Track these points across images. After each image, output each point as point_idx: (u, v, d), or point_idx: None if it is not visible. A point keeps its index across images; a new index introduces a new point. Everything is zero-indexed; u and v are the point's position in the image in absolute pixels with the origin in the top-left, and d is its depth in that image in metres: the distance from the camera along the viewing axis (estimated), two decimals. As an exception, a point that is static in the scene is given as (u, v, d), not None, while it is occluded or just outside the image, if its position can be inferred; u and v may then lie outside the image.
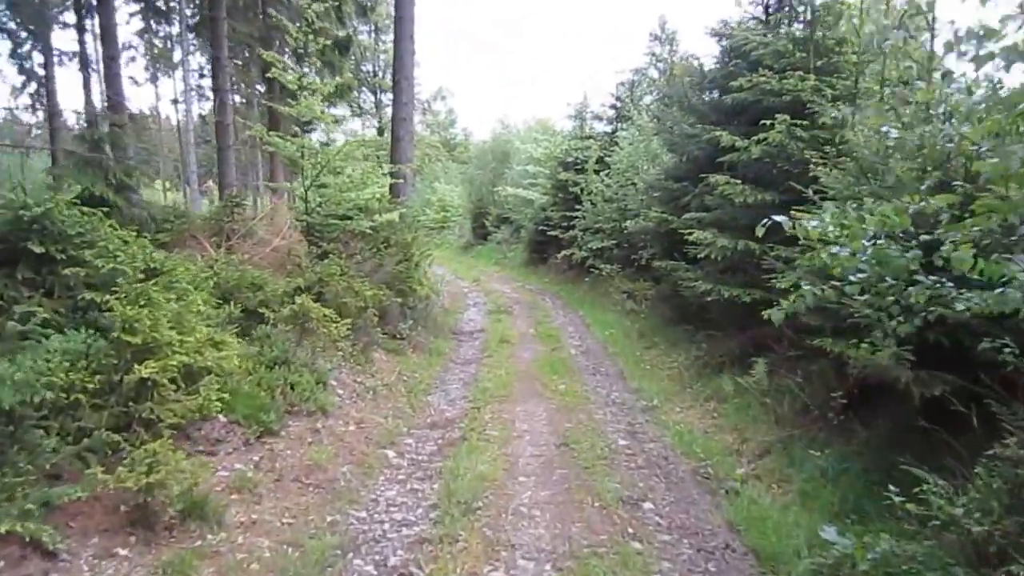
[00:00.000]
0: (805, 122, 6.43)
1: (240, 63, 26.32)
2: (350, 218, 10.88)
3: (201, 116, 30.04)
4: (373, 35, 47.96)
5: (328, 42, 22.62)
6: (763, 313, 6.77)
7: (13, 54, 16.89)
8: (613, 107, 17.30)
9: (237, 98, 32.15)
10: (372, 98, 49.81)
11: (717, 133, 7.24)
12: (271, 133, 11.49)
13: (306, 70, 19.77)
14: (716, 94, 9.75)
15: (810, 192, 5.68)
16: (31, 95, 18.36)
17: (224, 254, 8.68)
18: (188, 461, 3.96)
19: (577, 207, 15.54)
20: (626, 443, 5.71)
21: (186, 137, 24.17)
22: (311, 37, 21.45)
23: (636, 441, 5.78)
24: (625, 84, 17.34)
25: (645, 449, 5.54)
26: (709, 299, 6.97)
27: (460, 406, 7.01)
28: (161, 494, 3.72)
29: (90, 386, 4.07)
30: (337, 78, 24.68)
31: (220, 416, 5.09)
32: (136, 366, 4.17)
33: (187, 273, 6.73)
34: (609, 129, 17.77)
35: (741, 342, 7.75)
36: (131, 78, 30.73)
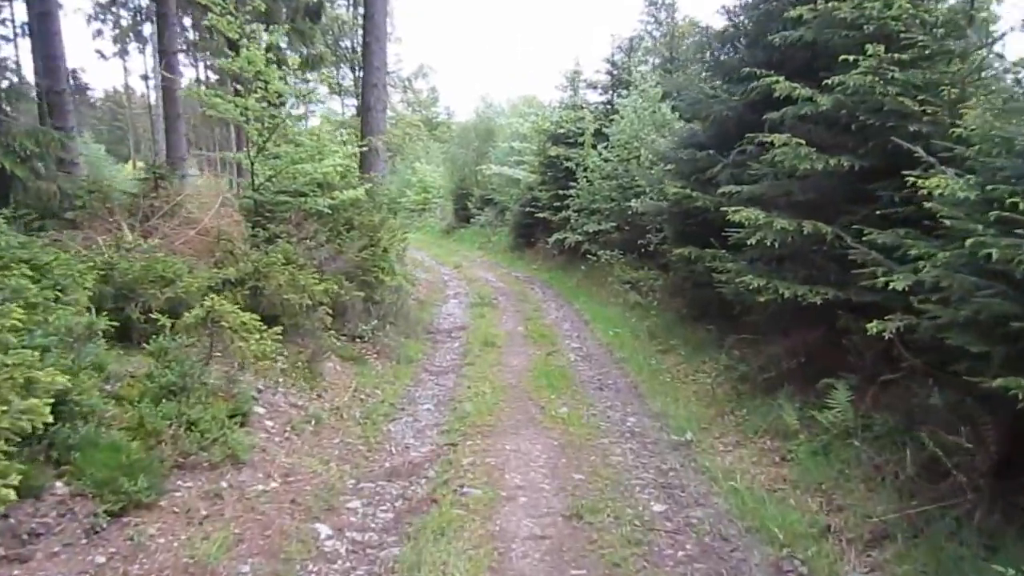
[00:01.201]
0: (903, 56, 4.71)
1: (207, 32, 24.29)
2: (305, 195, 9.12)
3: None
4: (351, 8, 45.77)
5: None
6: (841, 318, 5.18)
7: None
8: (609, 73, 15.50)
9: (205, 71, 29.98)
10: (351, 75, 47.69)
11: (769, 80, 5.50)
12: (208, 92, 9.65)
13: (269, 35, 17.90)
14: (742, 45, 8.04)
15: (921, 152, 4.01)
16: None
17: (137, 237, 6.91)
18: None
19: (570, 185, 13.78)
20: (662, 509, 4.01)
21: (157, 113, 22.24)
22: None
23: (676, 505, 4.08)
24: (622, 48, 15.54)
25: (691, 522, 3.84)
26: (761, 298, 5.27)
27: (431, 441, 5.29)
28: None
29: None
30: (306, 48, 22.88)
31: (58, 485, 3.35)
32: None
33: (63, 265, 5.02)
34: (605, 99, 15.99)
35: (790, 350, 6.10)
36: (98, 51, 28.77)
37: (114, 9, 29.99)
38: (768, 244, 5.15)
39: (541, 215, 16.34)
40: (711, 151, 7.40)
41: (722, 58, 8.45)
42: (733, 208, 5.59)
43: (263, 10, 9.85)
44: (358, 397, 6.20)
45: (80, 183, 8.49)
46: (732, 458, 4.85)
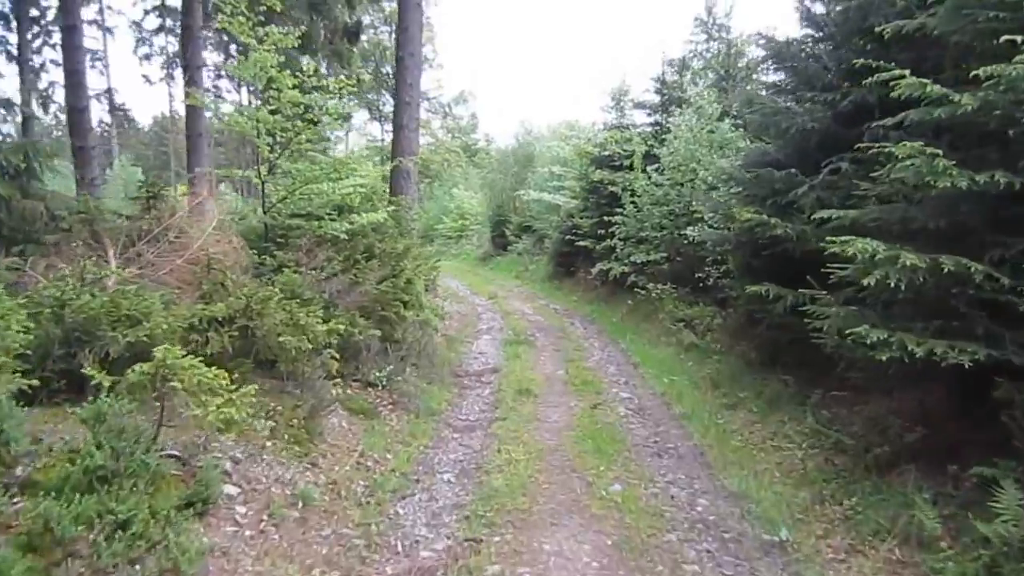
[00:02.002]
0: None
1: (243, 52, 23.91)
2: (320, 218, 8.16)
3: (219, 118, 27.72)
4: (393, 35, 45.65)
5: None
6: (1000, 386, 3.85)
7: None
8: (659, 92, 14.37)
9: (248, 95, 29.57)
10: (392, 101, 47.44)
11: (884, 76, 4.29)
12: (216, 101, 8.81)
13: (309, 61, 17.48)
14: (829, 48, 6.87)
15: None
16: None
17: (120, 265, 5.99)
18: None
19: (615, 211, 12.61)
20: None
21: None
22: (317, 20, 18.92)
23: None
24: (674, 66, 14.41)
25: None
26: (881, 356, 4.02)
27: (447, 532, 4.14)
28: None
29: None
30: (344, 70, 22.40)
31: None
32: None
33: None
34: (653, 120, 14.86)
35: (902, 414, 4.86)
36: (144, 76, 29.03)
37: (162, 33, 30.02)
38: (890, 285, 3.92)
39: (582, 243, 15.22)
40: (791, 170, 6.20)
41: (798, 66, 7.27)
42: (839, 239, 4.37)
43: (300, 35, 8.91)
44: (363, 465, 5.09)
45: (71, 203, 7.66)
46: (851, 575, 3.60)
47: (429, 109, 48.21)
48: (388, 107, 46.81)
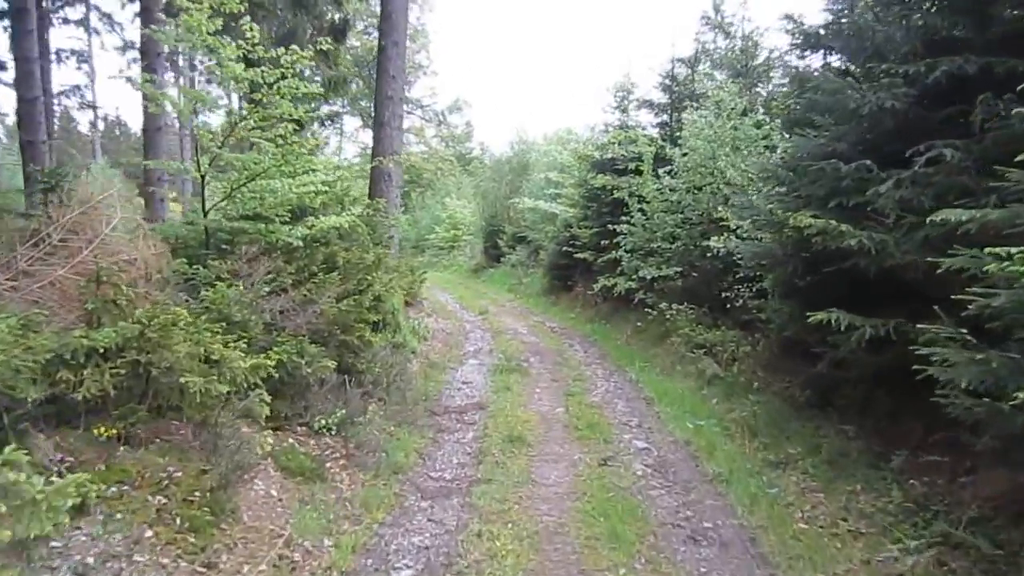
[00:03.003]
0: None
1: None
2: (270, 221, 6.74)
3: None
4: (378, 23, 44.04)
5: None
6: None
7: None
8: (667, 90, 13.00)
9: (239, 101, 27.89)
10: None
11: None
12: (145, 76, 7.42)
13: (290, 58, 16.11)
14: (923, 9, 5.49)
15: None
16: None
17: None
18: None
19: (622, 219, 11.19)
20: None
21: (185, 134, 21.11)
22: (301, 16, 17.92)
23: None
24: (685, 61, 13.03)
25: None
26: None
27: None
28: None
29: None
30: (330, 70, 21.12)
31: None
32: None
33: None
34: (660, 121, 13.50)
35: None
36: (128, 79, 27.51)
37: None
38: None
39: (581, 255, 13.84)
40: (865, 162, 4.79)
41: (856, 41, 5.87)
42: (962, 252, 2.96)
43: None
44: (287, 560, 3.62)
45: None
46: None
47: (423, 117, 46.79)
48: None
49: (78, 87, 21.85)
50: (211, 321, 4.61)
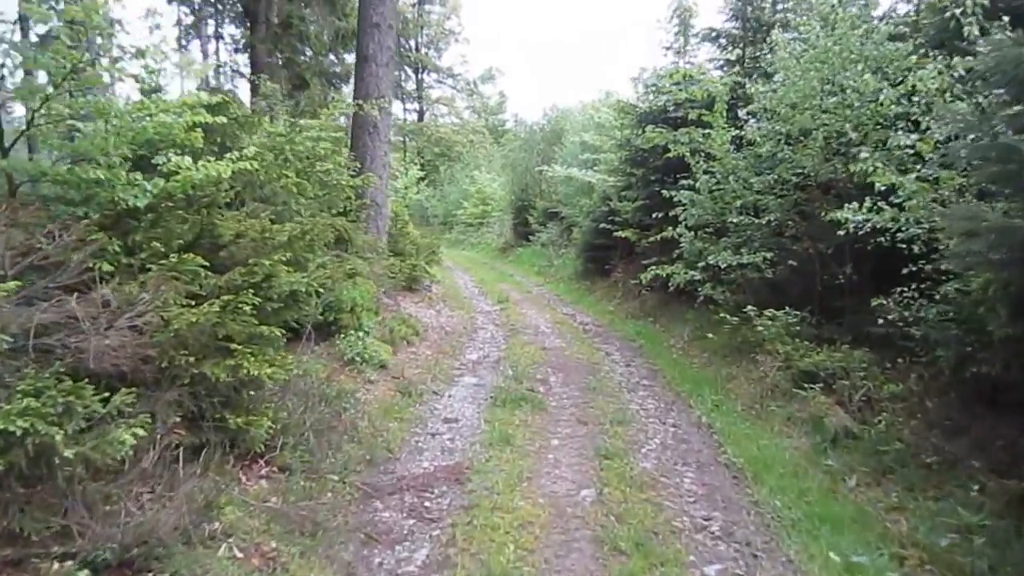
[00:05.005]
0: None
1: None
2: (111, 168, 4.02)
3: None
4: (416, 4, 40.99)
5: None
6: None
7: None
8: (737, 17, 9.90)
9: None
10: (414, 78, 42.80)
11: None
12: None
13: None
14: None
15: None
16: None
17: None
18: None
19: (681, 185, 8.20)
20: None
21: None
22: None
23: None
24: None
25: None
26: None
27: None
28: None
29: None
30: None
31: None
32: None
33: None
34: (728, 58, 10.41)
35: None
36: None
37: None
38: None
39: (621, 234, 10.91)
40: None
41: None
42: None
43: None
44: None
45: None
46: None
47: (454, 87, 43.92)
48: (410, 84, 42.46)
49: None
50: None
